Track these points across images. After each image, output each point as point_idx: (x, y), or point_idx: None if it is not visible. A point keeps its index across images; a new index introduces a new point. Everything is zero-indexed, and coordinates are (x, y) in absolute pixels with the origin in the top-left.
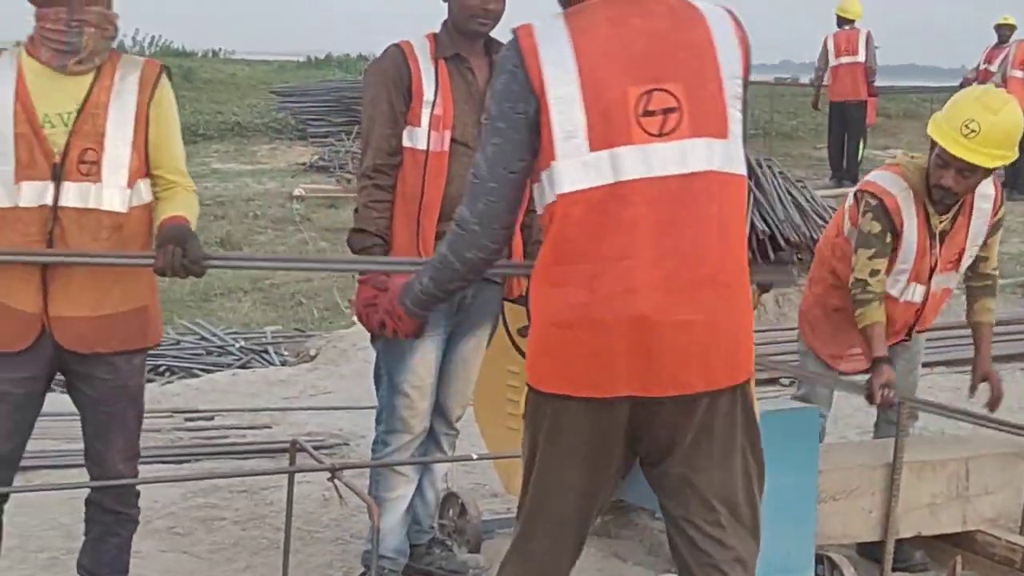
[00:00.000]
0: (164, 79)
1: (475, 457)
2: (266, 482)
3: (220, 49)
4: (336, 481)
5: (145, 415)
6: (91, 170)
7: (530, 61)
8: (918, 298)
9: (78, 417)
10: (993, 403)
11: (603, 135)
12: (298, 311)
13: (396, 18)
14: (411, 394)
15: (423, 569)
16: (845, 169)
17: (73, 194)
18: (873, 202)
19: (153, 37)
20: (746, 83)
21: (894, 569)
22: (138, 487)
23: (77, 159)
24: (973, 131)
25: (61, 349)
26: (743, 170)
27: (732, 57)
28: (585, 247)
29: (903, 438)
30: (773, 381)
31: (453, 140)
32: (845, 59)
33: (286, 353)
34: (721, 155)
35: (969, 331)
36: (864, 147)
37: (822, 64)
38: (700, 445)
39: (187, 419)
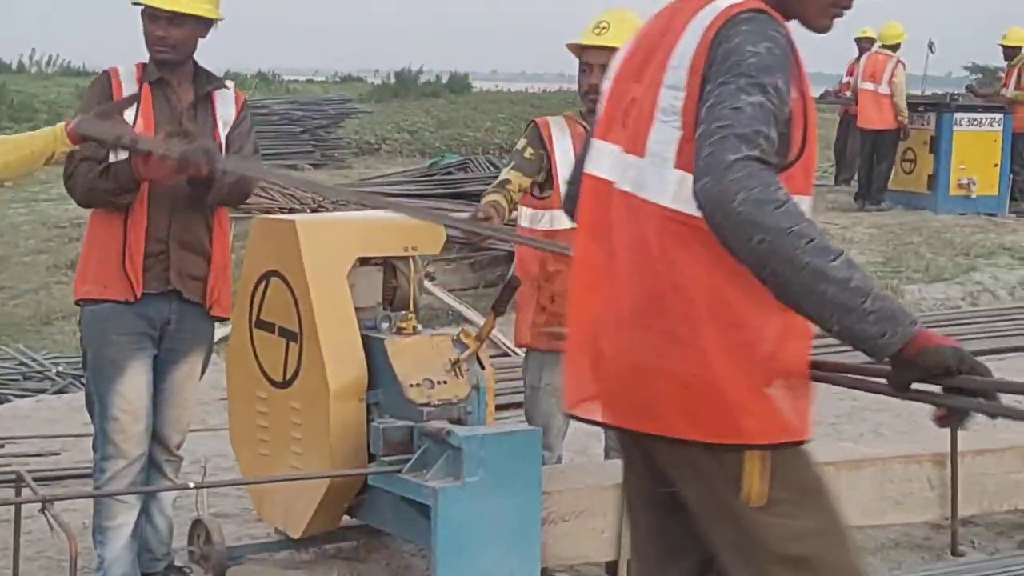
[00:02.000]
0: None
1: (192, 486)
2: (29, 510)
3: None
4: (46, 512)
5: None
6: None
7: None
8: None
9: None
10: None
11: (601, 127)
12: None
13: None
14: (121, 419)
15: None
16: None
17: None
18: (527, 126)
19: (51, 56)
20: (697, 93)
21: None
22: None
23: None
24: (604, 28)
25: None
26: (666, 200)
27: (683, 63)
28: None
29: None
30: None
31: None
32: None
33: None
34: (634, 175)
35: None
36: None
37: None
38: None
39: None
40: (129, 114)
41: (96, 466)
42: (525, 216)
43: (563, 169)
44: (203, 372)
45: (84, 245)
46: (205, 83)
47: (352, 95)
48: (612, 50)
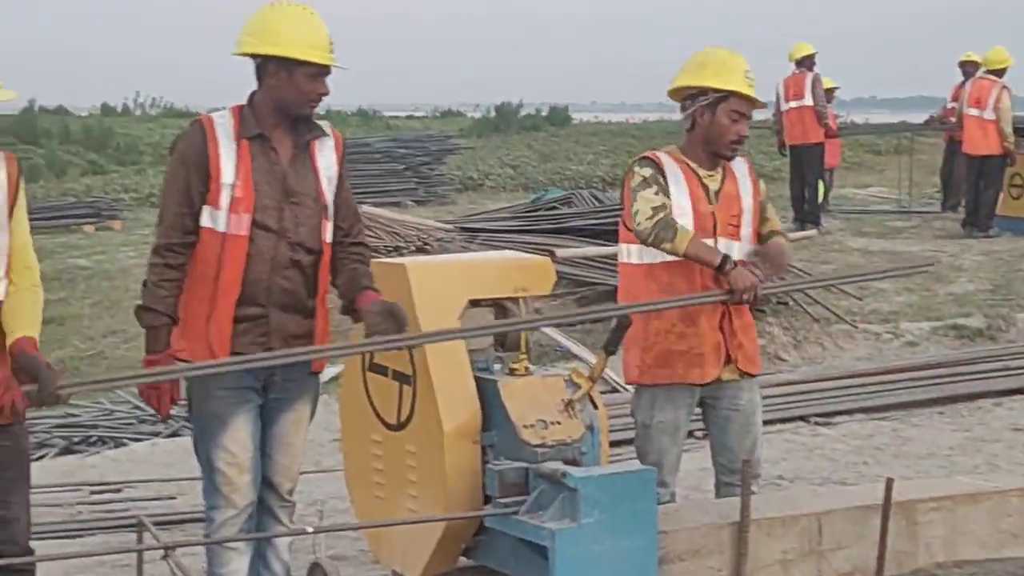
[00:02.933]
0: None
1: (310, 530)
2: (150, 556)
3: (224, 108)
4: (168, 560)
5: (52, 489)
6: None
7: None
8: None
9: None
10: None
11: None
12: None
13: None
14: (226, 471)
15: None
16: (807, 211)
17: None
18: (637, 160)
19: (154, 98)
20: None
21: None
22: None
23: None
24: (752, 79)
25: None
26: None
27: None
28: None
29: (749, 496)
30: None
31: (253, 223)
32: (793, 103)
33: None
34: None
35: (825, 385)
36: (827, 189)
37: (776, 109)
38: None
39: (93, 492)
40: (229, 174)
41: (206, 515)
42: (630, 251)
43: (679, 204)
44: (311, 418)
45: (183, 297)
46: (305, 132)
47: (452, 130)
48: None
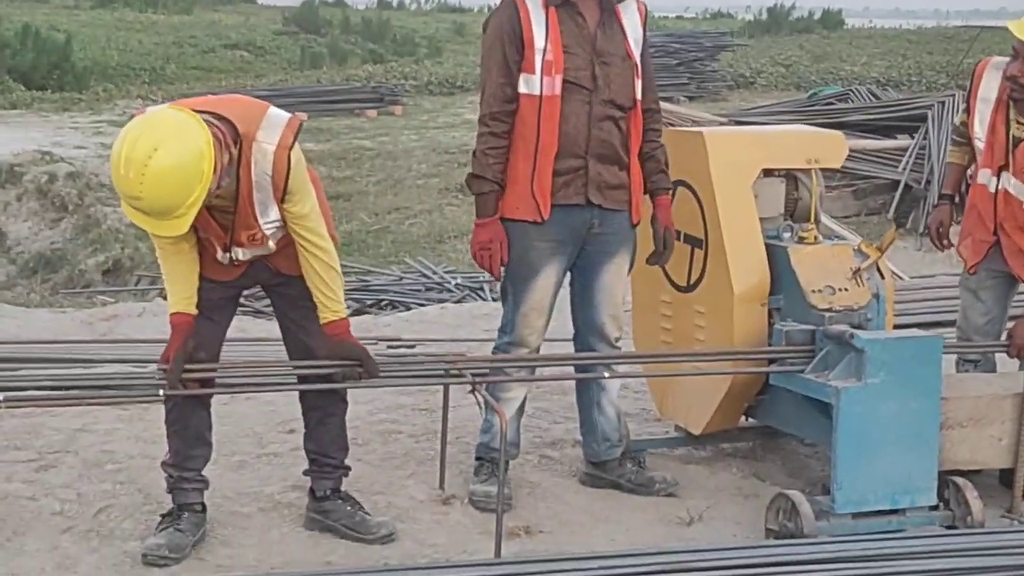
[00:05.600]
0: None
1: (607, 375)
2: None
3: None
4: (476, 393)
5: None
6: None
7: None
8: (991, 188)
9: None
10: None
11: None
12: None
13: None
14: (530, 315)
15: (613, 480)
16: None
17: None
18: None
19: None
20: None
21: None
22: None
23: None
24: None
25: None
26: None
27: None
28: None
29: None
30: None
31: (566, 81)
32: None
33: None
34: None
35: None
36: None
37: None
38: None
39: (389, 347)
40: (540, 39)
41: (500, 346)
42: None
43: (979, 123)
44: (629, 269)
45: (509, 162)
46: None
47: (724, 29)
48: None
